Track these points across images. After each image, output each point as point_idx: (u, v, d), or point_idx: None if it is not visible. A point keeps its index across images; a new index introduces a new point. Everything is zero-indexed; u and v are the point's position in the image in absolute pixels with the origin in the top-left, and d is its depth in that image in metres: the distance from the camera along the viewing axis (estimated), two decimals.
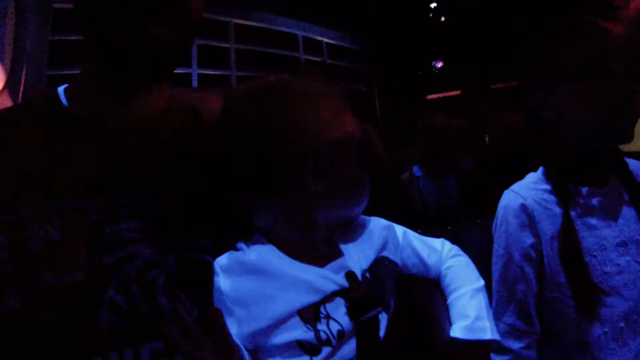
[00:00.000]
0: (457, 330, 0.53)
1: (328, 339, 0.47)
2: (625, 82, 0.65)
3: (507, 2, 3.38)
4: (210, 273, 0.50)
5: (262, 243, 0.52)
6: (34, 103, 0.56)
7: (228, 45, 3.41)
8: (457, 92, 4.47)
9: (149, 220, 0.51)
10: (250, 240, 0.53)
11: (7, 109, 0.55)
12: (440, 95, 4.56)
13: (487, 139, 2.43)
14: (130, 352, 0.46)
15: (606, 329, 0.66)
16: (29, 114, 0.54)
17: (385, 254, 0.55)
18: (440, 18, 4.43)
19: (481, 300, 0.56)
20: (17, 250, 0.46)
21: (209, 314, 0.42)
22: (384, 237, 0.57)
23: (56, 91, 0.56)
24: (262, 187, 0.50)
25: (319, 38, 3.88)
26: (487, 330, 0.53)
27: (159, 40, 0.49)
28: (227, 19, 3.33)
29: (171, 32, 0.49)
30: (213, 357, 0.40)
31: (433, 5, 4.13)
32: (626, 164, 0.74)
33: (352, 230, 0.56)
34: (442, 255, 0.60)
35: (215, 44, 3.33)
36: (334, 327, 0.47)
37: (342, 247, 0.54)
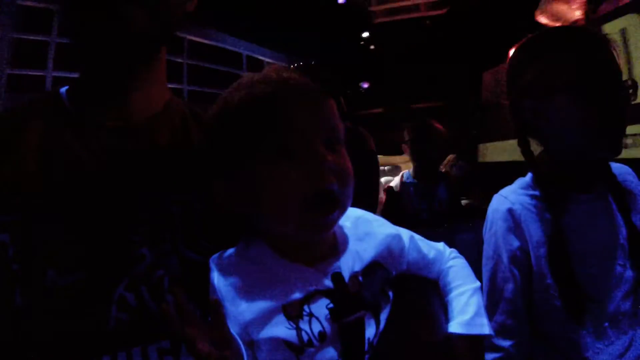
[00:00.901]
0: (457, 325, 0.55)
1: (310, 339, 0.47)
2: (614, 96, 0.66)
3: (429, 36, 4.19)
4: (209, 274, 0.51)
5: (257, 242, 0.53)
6: (37, 103, 0.56)
7: (181, 61, 3.60)
8: (380, 110, 5.18)
9: (152, 222, 0.51)
10: (247, 239, 0.53)
11: (12, 109, 0.56)
12: (366, 112, 5.23)
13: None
14: (138, 350, 0.47)
15: (592, 329, 0.67)
16: (33, 114, 0.54)
17: (383, 261, 0.55)
18: (370, 46, 5.20)
19: (479, 298, 0.58)
20: (22, 248, 0.47)
21: (209, 304, 0.43)
22: (386, 243, 0.56)
23: (59, 91, 0.56)
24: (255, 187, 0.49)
25: (261, 57, 4.27)
26: (484, 326, 0.55)
27: (130, 22, 0.47)
28: (182, 35, 3.53)
29: (143, 15, 0.48)
30: (214, 347, 0.41)
31: (365, 34, 4.86)
32: (610, 169, 0.75)
33: (355, 230, 0.56)
34: (445, 255, 0.62)
35: (169, 58, 3.48)
36: (316, 328, 0.48)
37: (341, 246, 0.54)
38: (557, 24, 2.55)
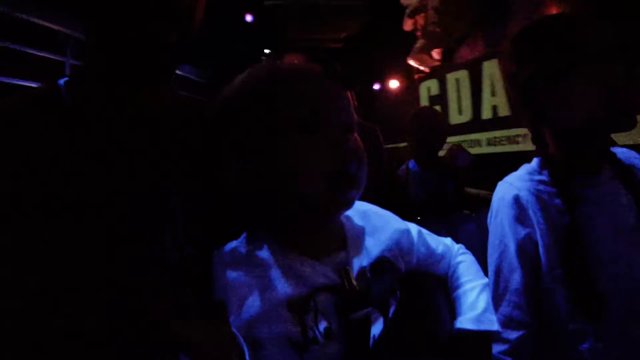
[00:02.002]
0: (466, 321, 0.53)
1: (315, 336, 0.46)
2: (621, 72, 0.65)
3: (332, 53, 5.06)
4: (211, 269, 0.50)
5: (263, 236, 0.52)
6: (35, 96, 0.55)
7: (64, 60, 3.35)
8: None
9: (153, 217, 0.51)
10: (251, 233, 0.52)
11: (9, 102, 0.55)
12: None
13: None
14: (138, 350, 0.46)
15: (603, 321, 0.65)
16: (31, 107, 0.53)
17: (391, 256, 0.54)
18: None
19: (488, 295, 0.57)
20: (20, 247, 0.46)
21: (211, 301, 0.43)
22: (395, 238, 0.55)
23: (58, 84, 0.55)
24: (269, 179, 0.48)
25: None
26: (494, 322, 0.54)
27: (158, 38, 0.48)
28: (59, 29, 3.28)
29: (172, 30, 0.49)
30: (214, 346, 0.40)
31: (267, 51, 5.51)
32: (613, 153, 0.74)
33: (363, 224, 0.55)
34: (453, 251, 0.61)
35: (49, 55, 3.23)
36: (322, 324, 0.47)
37: (349, 241, 0.53)
38: (422, 67, 3.63)
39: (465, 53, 3.34)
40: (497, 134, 2.81)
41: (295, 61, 0.54)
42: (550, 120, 0.72)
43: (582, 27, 0.68)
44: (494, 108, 2.93)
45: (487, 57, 2.97)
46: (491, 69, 2.95)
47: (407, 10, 3.57)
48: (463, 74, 3.22)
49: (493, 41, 3.01)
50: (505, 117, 2.82)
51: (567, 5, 2.30)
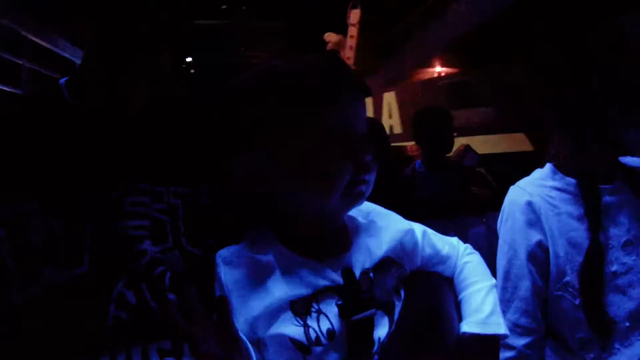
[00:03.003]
0: (473, 325, 0.53)
1: (318, 337, 0.46)
2: None
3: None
4: (214, 269, 0.50)
5: (266, 235, 0.52)
6: (36, 95, 0.56)
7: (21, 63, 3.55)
8: None
9: (155, 217, 0.51)
10: (255, 233, 0.52)
11: (11, 102, 0.56)
12: None
13: None
14: (138, 350, 0.47)
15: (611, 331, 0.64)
16: (32, 106, 0.54)
17: (395, 257, 0.54)
18: (190, 70, 6.11)
19: (495, 297, 0.56)
20: (19, 244, 0.46)
21: (217, 303, 0.43)
22: (398, 239, 0.55)
23: (59, 83, 0.56)
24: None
25: None
26: (501, 325, 0.53)
27: (158, 18, 0.48)
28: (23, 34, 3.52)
29: (167, 10, 0.49)
30: (218, 345, 0.40)
31: (188, 59, 5.74)
32: (623, 164, 0.73)
33: (367, 225, 0.55)
34: (459, 251, 0.60)
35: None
36: (324, 325, 0.47)
37: (352, 242, 0.53)
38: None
39: (370, 84, 4.34)
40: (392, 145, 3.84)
41: (320, 57, 0.53)
42: (595, 123, 0.69)
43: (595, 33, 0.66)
44: (391, 127, 4.05)
45: (386, 89, 4.04)
46: (389, 98, 4.04)
47: (328, 45, 4.36)
48: (368, 100, 4.22)
49: (390, 77, 4.09)
50: (399, 134, 3.94)
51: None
